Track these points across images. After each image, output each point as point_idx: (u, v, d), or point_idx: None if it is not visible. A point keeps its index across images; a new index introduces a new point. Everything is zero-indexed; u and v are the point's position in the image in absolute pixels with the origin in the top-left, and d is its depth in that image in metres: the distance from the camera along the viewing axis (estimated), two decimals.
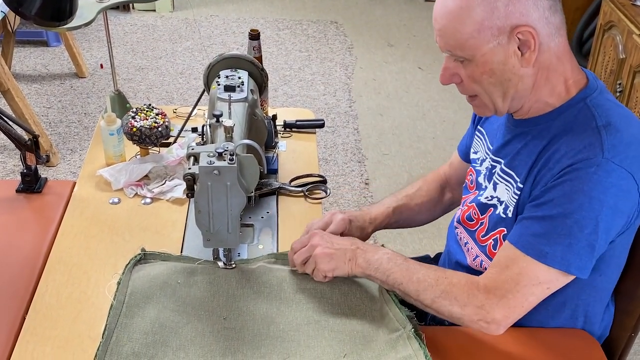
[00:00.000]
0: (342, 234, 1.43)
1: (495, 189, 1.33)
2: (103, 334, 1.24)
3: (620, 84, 2.82)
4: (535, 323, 1.32)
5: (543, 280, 1.17)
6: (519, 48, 1.16)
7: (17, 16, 3.18)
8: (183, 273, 1.37)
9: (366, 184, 3.07)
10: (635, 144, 1.16)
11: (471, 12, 1.14)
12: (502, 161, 1.32)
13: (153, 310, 1.29)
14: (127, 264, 1.39)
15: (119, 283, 1.35)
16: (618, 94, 2.82)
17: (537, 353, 1.28)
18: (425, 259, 1.74)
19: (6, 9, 3.06)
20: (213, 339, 1.25)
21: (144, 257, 1.42)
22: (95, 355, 1.21)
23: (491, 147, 1.37)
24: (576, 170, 1.14)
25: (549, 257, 1.16)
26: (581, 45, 3.65)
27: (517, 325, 1.24)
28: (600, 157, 1.13)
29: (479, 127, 1.45)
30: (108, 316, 1.27)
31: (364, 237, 1.49)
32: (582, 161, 1.14)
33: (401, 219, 1.57)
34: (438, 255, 1.70)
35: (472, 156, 1.46)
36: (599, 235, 1.15)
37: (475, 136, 1.46)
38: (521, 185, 1.25)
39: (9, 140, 1.60)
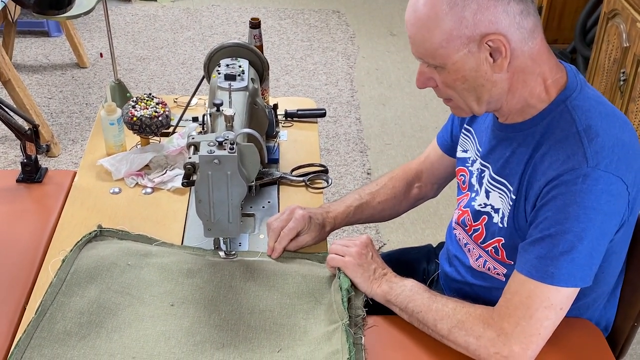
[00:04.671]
0: (299, 233, 1.43)
1: (487, 196, 1.32)
2: (37, 310, 1.24)
3: (624, 72, 2.80)
4: None
5: (554, 301, 1.15)
6: (490, 55, 1.14)
7: (17, 6, 3.17)
8: (136, 255, 1.37)
9: (368, 174, 3.06)
10: (619, 146, 1.15)
11: (439, 22, 1.13)
12: (490, 167, 1.31)
13: (95, 290, 1.29)
14: (78, 242, 1.39)
15: (63, 260, 1.34)
16: (622, 82, 2.81)
17: None
18: (427, 249, 1.74)
19: None
20: (150, 323, 1.25)
21: (100, 234, 1.41)
22: (24, 331, 1.20)
23: (480, 149, 1.36)
24: (564, 183, 1.13)
25: (556, 277, 1.14)
26: (585, 34, 3.63)
27: None
28: (586, 167, 1.12)
29: (466, 125, 1.43)
30: (45, 293, 1.28)
31: (322, 236, 1.48)
32: (567, 172, 1.13)
33: (363, 217, 1.56)
34: (441, 244, 1.70)
35: (462, 155, 1.44)
36: (599, 242, 1.15)
37: (463, 134, 1.44)
38: (514, 197, 1.24)
39: (10, 130, 1.60)
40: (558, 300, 1.15)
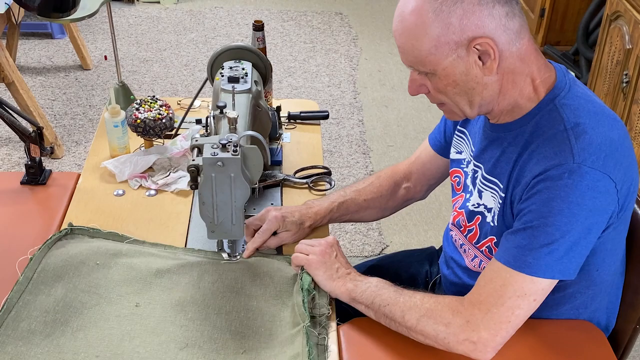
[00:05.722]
0: (276, 232, 1.45)
1: (480, 196, 1.32)
2: (1, 308, 1.25)
3: (626, 74, 2.80)
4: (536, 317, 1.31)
5: (528, 291, 1.16)
6: (479, 58, 1.15)
7: (21, 8, 3.18)
8: (105, 254, 1.37)
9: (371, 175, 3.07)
10: (607, 143, 1.15)
11: (427, 30, 1.14)
12: (482, 167, 1.32)
13: (62, 289, 1.29)
14: (47, 240, 1.39)
15: (31, 259, 1.35)
16: (624, 84, 2.81)
17: (542, 345, 1.27)
18: (430, 251, 1.74)
19: (10, 0, 3.05)
20: (116, 322, 1.25)
21: (70, 232, 1.42)
22: None
23: (474, 150, 1.37)
24: (550, 178, 1.14)
25: (533, 267, 1.15)
26: (587, 36, 3.63)
27: None
28: (572, 163, 1.13)
29: (459, 127, 1.44)
30: (11, 291, 1.28)
31: (302, 233, 1.49)
32: (554, 167, 1.14)
33: (348, 213, 1.57)
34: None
35: (456, 156, 1.44)
36: (581, 237, 1.15)
37: (456, 136, 1.45)
38: (503, 195, 1.25)
39: (14, 132, 1.60)
40: (532, 290, 1.16)
